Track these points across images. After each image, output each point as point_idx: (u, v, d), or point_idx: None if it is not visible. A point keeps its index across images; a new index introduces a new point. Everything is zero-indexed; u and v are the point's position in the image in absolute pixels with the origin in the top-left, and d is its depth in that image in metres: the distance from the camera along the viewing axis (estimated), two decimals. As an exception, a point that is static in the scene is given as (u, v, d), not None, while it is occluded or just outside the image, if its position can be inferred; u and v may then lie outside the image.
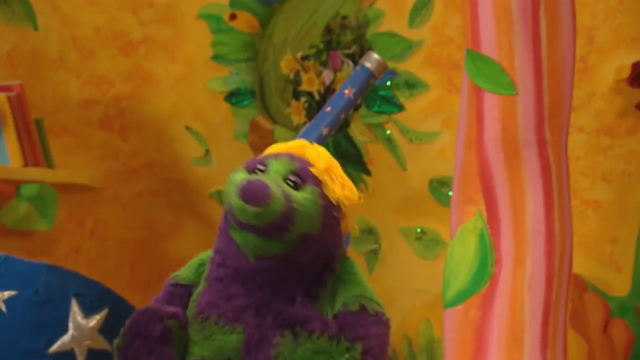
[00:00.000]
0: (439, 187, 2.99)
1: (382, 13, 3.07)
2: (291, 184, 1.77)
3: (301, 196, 1.75)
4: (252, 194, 1.73)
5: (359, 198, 1.83)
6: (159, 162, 3.22)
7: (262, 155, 1.86)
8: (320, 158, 1.82)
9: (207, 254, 1.94)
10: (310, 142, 1.93)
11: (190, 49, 3.21)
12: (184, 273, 1.91)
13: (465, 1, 2.14)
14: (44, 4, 3.19)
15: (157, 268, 3.24)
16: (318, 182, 1.79)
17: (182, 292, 1.85)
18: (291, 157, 1.82)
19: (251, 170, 1.82)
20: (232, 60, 3.20)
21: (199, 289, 1.87)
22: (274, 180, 1.76)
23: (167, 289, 1.86)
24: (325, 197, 1.78)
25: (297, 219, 1.74)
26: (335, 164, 1.84)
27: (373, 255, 3.01)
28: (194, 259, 1.95)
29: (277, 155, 1.82)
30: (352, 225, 1.85)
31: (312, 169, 1.80)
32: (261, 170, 1.80)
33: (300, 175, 1.78)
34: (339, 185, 1.82)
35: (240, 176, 1.80)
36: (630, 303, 2.74)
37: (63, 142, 3.17)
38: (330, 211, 1.78)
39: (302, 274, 1.77)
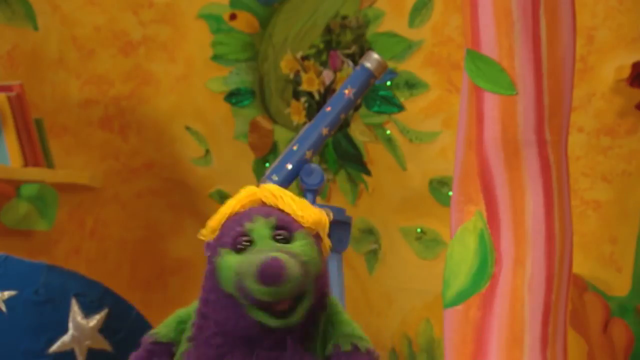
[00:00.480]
0: (439, 187, 2.99)
1: (382, 13, 3.07)
2: (280, 238, 1.75)
3: (299, 246, 1.73)
4: (276, 277, 1.69)
5: (328, 214, 1.83)
6: (159, 162, 3.22)
7: (231, 224, 1.81)
8: (277, 198, 1.80)
9: (185, 311, 1.88)
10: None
11: (190, 49, 3.21)
12: (162, 330, 1.86)
13: (465, 1, 2.14)
14: (44, 4, 3.19)
15: (157, 268, 3.24)
16: (299, 225, 1.76)
17: (162, 349, 1.81)
18: (261, 212, 1.78)
19: (235, 246, 1.78)
20: (232, 60, 3.20)
21: (182, 349, 1.84)
22: (271, 248, 1.73)
23: (146, 347, 1.81)
24: (310, 232, 1.76)
25: (309, 269, 1.72)
26: (289, 194, 1.82)
27: (373, 255, 3.01)
28: (171, 316, 1.90)
29: (249, 218, 1.78)
30: (326, 244, 1.84)
31: (286, 212, 1.77)
32: (247, 242, 1.77)
33: (283, 226, 1.75)
34: (310, 214, 1.80)
35: (234, 259, 1.76)
36: (630, 303, 2.74)
37: (63, 142, 3.17)
38: (319, 243, 1.77)
39: (305, 325, 1.76)
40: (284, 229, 1.74)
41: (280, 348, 1.74)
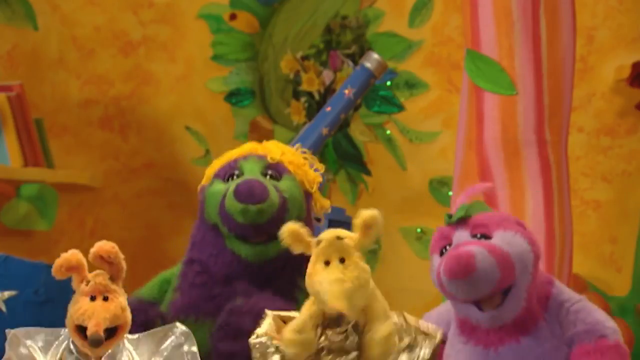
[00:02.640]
0: (439, 187, 2.99)
1: (382, 13, 3.07)
2: (271, 178, 1.80)
3: (285, 184, 1.78)
4: (251, 192, 1.74)
5: (321, 176, 1.87)
6: (159, 162, 3.22)
7: (226, 162, 1.87)
8: (280, 150, 1.85)
9: (169, 272, 1.97)
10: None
11: (190, 49, 3.21)
12: (146, 291, 1.92)
13: (465, 1, 2.14)
14: (44, 4, 3.18)
15: (157, 268, 3.23)
16: (290, 171, 1.82)
17: (147, 307, 1.83)
18: (256, 155, 1.84)
19: (225, 177, 1.83)
20: (232, 60, 3.20)
21: (167, 301, 1.87)
22: (257, 175, 1.78)
23: (131, 306, 1.84)
24: (301, 183, 1.82)
25: (289, 206, 1.78)
26: (294, 153, 1.88)
27: (373, 255, 3.01)
28: (155, 278, 1.95)
29: (243, 157, 1.84)
30: (322, 201, 1.88)
31: (281, 160, 1.82)
32: (237, 175, 1.81)
33: (274, 167, 1.81)
34: (307, 173, 1.85)
35: (221, 186, 1.81)
36: (630, 303, 2.73)
37: (63, 142, 3.17)
38: (308, 195, 1.82)
39: (293, 271, 1.78)
40: (274, 169, 1.79)
41: (259, 287, 1.76)
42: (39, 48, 3.19)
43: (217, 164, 1.90)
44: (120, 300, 1.53)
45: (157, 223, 3.19)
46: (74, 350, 1.56)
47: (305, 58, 3.14)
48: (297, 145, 1.96)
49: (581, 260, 2.61)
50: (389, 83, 3.04)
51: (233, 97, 3.20)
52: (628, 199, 2.80)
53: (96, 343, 1.47)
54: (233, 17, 3.18)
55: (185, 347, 1.59)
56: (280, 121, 3.17)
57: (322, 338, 1.47)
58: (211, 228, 1.84)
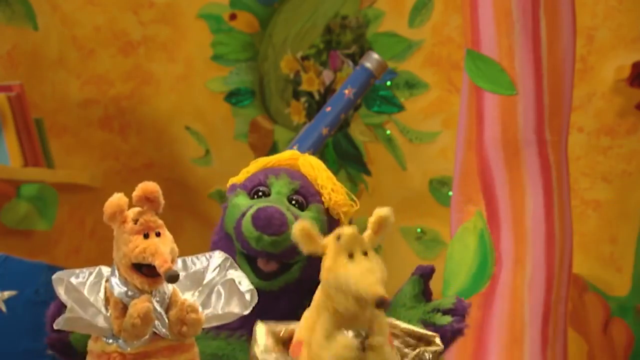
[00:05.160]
0: (439, 187, 2.99)
1: (382, 13, 3.07)
2: (296, 204, 1.76)
3: (308, 217, 1.74)
4: (269, 223, 1.71)
5: (355, 204, 1.83)
6: (159, 162, 3.22)
7: (258, 173, 1.84)
8: (315, 170, 1.81)
9: None
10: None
11: (190, 49, 3.21)
12: None
13: (465, 1, 2.14)
14: (44, 4, 3.19)
15: (157, 268, 3.23)
16: (319, 198, 1.78)
17: None
18: (289, 173, 1.80)
19: (252, 191, 1.81)
20: (232, 60, 3.20)
21: None
22: (281, 203, 1.74)
23: None
24: (327, 213, 1.77)
25: None
26: (330, 175, 1.84)
27: (373, 255, 3.00)
28: None
29: (275, 173, 1.80)
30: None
31: (314, 183, 1.79)
32: (263, 193, 1.79)
33: (303, 193, 1.77)
34: (338, 196, 1.81)
35: (245, 201, 1.78)
36: (630, 303, 2.74)
37: (63, 142, 3.17)
38: (332, 226, 1.77)
39: (302, 301, 1.75)
40: (302, 195, 1.75)
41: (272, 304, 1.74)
42: (39, 48, 3.19)
43: (254, 167, 1.86)
44: (170, 234, 1.54)
45: (157, 223, 3.19)
46: (120, 284, 1.55)
47: (305, 58, 3.14)
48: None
49: (581, 260, 2.61)
50: (389, 83, 3.04)
51: (233, 97, 3.20)
52: (628, 199, 2.80)
53: (173, 279, 1.45)
54: (233, 17, 3.18)
55: (230, 272, 1.57)
56: (280, 121, 3.17)
57: None
58: (226, 237, 1.82)
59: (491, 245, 2.05)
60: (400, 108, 3.05)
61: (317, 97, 3.12)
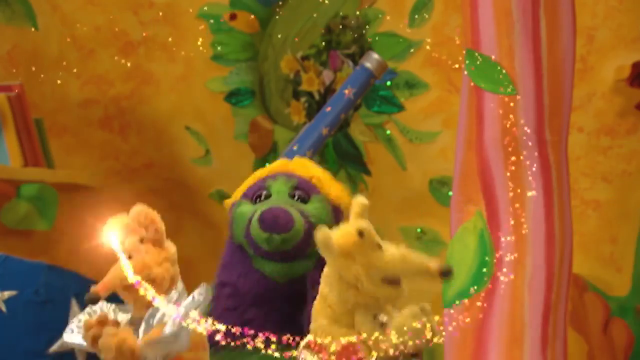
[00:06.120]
0: (439, 187, 2.99)
1: (382, 13, 3.07)
2: (299, 199, 1.78)
3: (312, 207, 1.76)
4: (275, 223, 1.73)
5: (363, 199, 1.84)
6: (159, 162, 3.22)
7: (257, 181, 1.86)
8: (309, 169, 1.84)
9: None
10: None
11: (190, 49, 3.21)
12: None
13: (465, 1, 2.14)
14: (44, 4, 3.18)
15: (157, 268, 3.23)
16: (319, 191, 1.80)
17: None
18: (286, 174, 1.82)
19: (253, 197, 1.82)
20: (232, 60, 3.20)
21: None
22: (284, 201, 1.76)
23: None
24: (330, 202, 1.80)
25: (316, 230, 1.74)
26: (323, 171, 1.86)
27: (373, 255, 3.00)
28: None
29: (272, 177, 1.83)
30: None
31: (310, 179, 1.80)
32: (265, 195, 1.80)
33: (303, 187, 1.79)
34: (337, 189, 1.83)
35: (249, 208, 1.80)
36: (630, 303, 2.74)
37: (63, 142, 3.17)
38: (338, 214, 1.80)
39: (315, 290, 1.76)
40: (303, 190, 1.76)
41: (291, 308, 1.76)
42: (39, 48, 3.19)
43: (246, 184, 1.89)
44: (142, 258, 1.57)
45: (157, 223, 3.18)
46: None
47: (305, 58, 3.14)
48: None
49: (581, 260, 2.61)
50: (389, 83, 3.04)
51: (233, 97, 3.20)
52: (628, 199, 2.80)
53: (89, 301, 1.55)
54: (233, 17, 3.18)
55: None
56: (280, 121, 3.17)
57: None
58: (239, 248, 1.83)
59: (491, 245, 2.05)
60: (400, 108, 3.05)
61: (317, 97, 3.12)
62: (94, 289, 1.54)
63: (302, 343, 1.53)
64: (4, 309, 2.06)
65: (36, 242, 3.08)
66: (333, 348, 1.51)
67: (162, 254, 1.57)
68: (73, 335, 1.60)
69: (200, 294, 1.55)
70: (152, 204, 3.24)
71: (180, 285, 1.62)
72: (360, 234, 1.49)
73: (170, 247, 1.62)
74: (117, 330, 1.53)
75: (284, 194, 1.78)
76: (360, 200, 1.57)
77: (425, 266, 1.48)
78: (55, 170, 3.02)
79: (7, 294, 2.07)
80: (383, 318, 1.51)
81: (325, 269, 1.58)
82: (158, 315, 1.56)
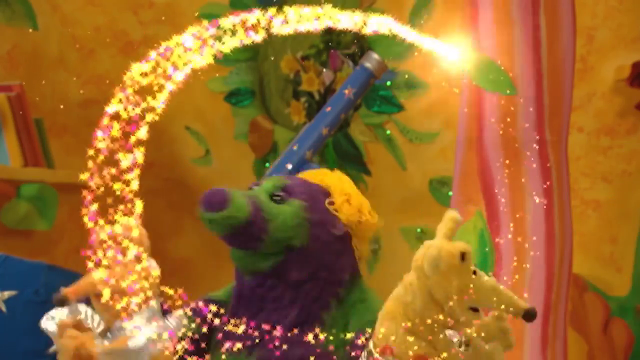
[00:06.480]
0: (439, 187, 2.99)
1: (382, 13, 3.06)
2: (277, 198, 1.75)
3: (276, 207, 1.72)
4: (210, 201, 1.73)
5: (373, 222, 1.83)
6: (159, 162, 3.22)
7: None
8: (341, 182, 1.82)
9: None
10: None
11: (190, 49, 3.20)
12: (215, 293, 1.87)
13: (465, 1, 2.14)
14: (44, 4, 3.18)
15: (157, 268, 3.23)
16: (309, 198, 1.76)
17: (211, 303, 1.80)
18: (291, 178, 1.80)
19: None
20: (232, 60, 3.20)
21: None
22: (252, 193, 1.74)
23: (198, 301, 1.83)
24: (316, 212, 1.75)
25: (269, 228, 1.70)
26: (356, 191, 1.84)
27: (373, 255, 3.01)
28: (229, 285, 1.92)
29: (270, 176, 1.82)
30: (362, 248, 1.84)
31: (330, 192, 1.78)
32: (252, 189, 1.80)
33: (288, 190, 1.76)
34: (354, 208, 1.80)
35: None
36: (630, 303, 2.74)
37: (63, 142, 3.17)
38: (325, 228, 1.75)
39: (296, 293, 1.74)
40: (287, 192, 1.75)
41: (270, 313, 1.74)
42: (39, 48, 3.19)
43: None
44: (98, 273, 1.63)
45: (157, 223, 3.18)
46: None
47: (305, 58, 3.14)
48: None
49: (581, 260, 2.61)
50: (389, 83, 3.04)
51: (233, 97, 3.20)
52: (628, 199, 2.79)
53: (57, 302, 1.61)
54: (233, 17, 3.18)
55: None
56: (280, 121, 3.17)
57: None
58: None
59: (491, 245, 2.05)
60: (400, 108, 3.04)
61: (317, 97, 3.12)
62: (64, 290, 1.56)
63: (370, 344, 1.54)
64: (4, 309, 2.06)
65: (36, 242, 3.08)
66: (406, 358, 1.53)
67: (141, 269, 1.59)
68: (49, 323, 1.62)
69: (175, 319, 1.56)
70: (152, 204, 3.24)
71: (154, 304, 1.62)
72: (463, 256, 1.50)
73: (153, 267, 1.63)
74: (78, 334, 1.54)
75: (263, 191, 1.77)
76: (452, 215, 1.58)
77: (515, 302, 1.50)
78: (55, 170, 3.02)
79: (7, 294, 2.07)
80: (462, 339, 1.52)
81: (411, 278, 1.58)
82: (127, 328, 1.57)
